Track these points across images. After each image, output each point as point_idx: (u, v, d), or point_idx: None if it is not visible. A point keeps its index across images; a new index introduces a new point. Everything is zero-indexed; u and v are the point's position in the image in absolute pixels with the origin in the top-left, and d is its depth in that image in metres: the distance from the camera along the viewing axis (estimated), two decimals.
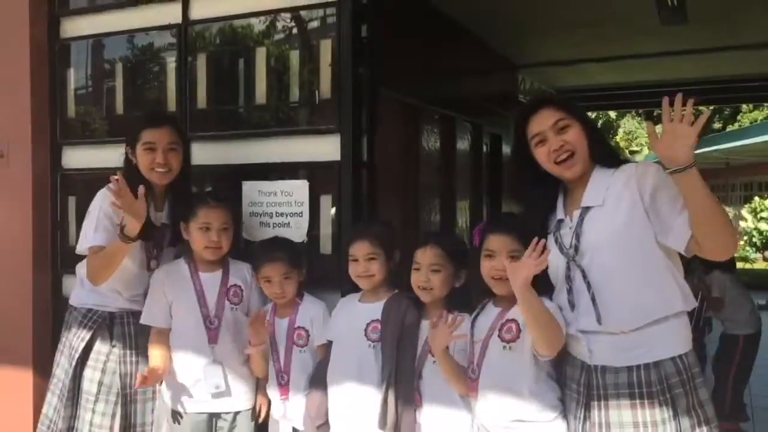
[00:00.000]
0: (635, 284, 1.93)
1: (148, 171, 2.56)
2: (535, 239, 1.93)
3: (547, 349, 1.96)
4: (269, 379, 2.56)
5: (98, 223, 2.50)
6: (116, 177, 2.35)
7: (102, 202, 2.53)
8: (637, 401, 1.89)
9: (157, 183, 2.60)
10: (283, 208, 2.86)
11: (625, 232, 1.93)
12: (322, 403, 2.40)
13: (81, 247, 2.57)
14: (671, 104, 1.78)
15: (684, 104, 1.79)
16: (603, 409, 1.93)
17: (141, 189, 2.37)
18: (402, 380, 2.26)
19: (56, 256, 3.41)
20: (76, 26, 3.42)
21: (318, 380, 2.44)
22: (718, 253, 1.90)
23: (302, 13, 2.90)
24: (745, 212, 15.49)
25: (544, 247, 1.91)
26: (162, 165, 2.56)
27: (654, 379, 1.89)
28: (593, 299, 1.94)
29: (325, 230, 2.81)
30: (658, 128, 1.88)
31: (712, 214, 1.81)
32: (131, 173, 2.53)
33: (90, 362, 2.66)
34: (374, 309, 2.38)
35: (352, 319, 2.41)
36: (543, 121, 2.03)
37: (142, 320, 2.62)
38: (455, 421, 2.22)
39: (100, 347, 2.66)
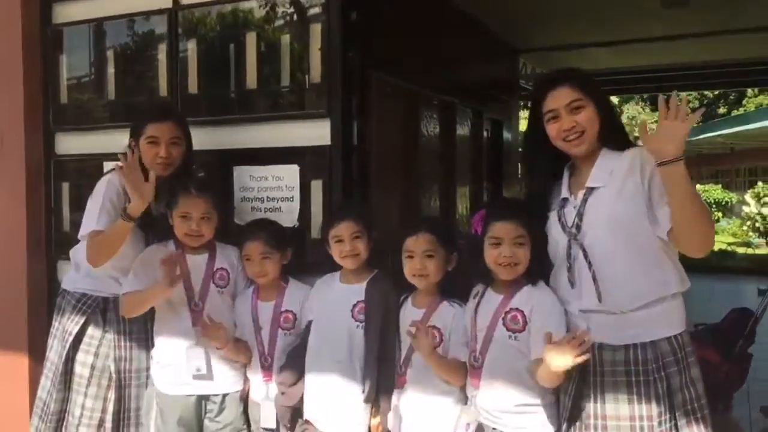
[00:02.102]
0: (634, 266, 1.97)
1: (151, 164, 2.57)
2: (578, 331, 1.91)
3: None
4: (251, 361, 2.57)
5: (102, 208, 2.52)
6: (126, 153, 2.40)
7: (107, 188, 2.55)
8: (633, 378, 1.95)
9: (159, 174, 2.60)
10: (274, 192, 2.86)
11: (626, 215, 1.97)
12: (300, 385, 2.40)
13: (84, 231, 2.57)
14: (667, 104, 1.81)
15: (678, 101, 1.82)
16: (599, 385, 1.98)
17: (152, 175, 2.42)
18: (384, 361, 2.29)
19: (50, 241, 3.42)
20: (68, 11, 3.40)
21: (295, 362, 2.43)
22: (692, 248, 1.93)
23: None
24: (748, 197, 15.36)
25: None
26: (164, 158, 2.58)
27: (650, 357, 1.95)
28: (594, 278, 1.98)
29: (316, 214, 2.81)
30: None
31: (692, 210, 1.85)
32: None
33: (83, 346, 2.69)
34: (358, 290, 2.40)
35: (337, 301, 2.42)
36: (559, 99, 2.06)
37: (124, 288, 2.57)
38: (440, 410, 2.22)
39: (93, 332, 2.69)
